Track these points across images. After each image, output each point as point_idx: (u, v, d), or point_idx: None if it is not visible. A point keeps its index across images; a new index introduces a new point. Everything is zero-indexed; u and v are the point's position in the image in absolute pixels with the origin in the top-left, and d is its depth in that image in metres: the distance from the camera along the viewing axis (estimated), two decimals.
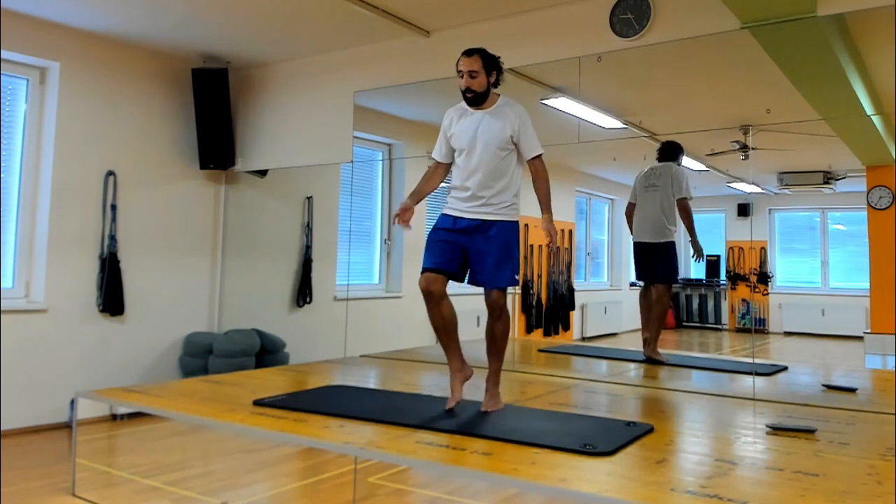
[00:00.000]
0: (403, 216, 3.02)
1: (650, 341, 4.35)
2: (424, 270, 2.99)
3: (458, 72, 2.99)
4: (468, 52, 3.00)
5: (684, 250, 4.55)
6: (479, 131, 3.02)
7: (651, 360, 4.34)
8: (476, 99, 3.01)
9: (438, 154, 3.15)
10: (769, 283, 4.53)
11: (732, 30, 3.51)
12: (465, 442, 2.57)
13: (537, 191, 3.08)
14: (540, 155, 3.06)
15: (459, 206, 3.04)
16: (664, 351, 4.41)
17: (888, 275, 3.65)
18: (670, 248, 4.35)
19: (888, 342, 3.67)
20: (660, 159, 4.33)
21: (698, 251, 4.32)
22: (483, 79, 2.99)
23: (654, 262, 4.38)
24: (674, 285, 4.48)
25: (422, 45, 4.67)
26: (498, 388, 3.10)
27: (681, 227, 4.34)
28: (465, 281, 3.07)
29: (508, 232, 3.03)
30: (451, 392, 3.07)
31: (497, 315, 3.03)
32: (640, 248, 4.45)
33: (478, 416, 2.92)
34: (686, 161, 4.47)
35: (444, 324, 3.02)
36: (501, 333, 3.06)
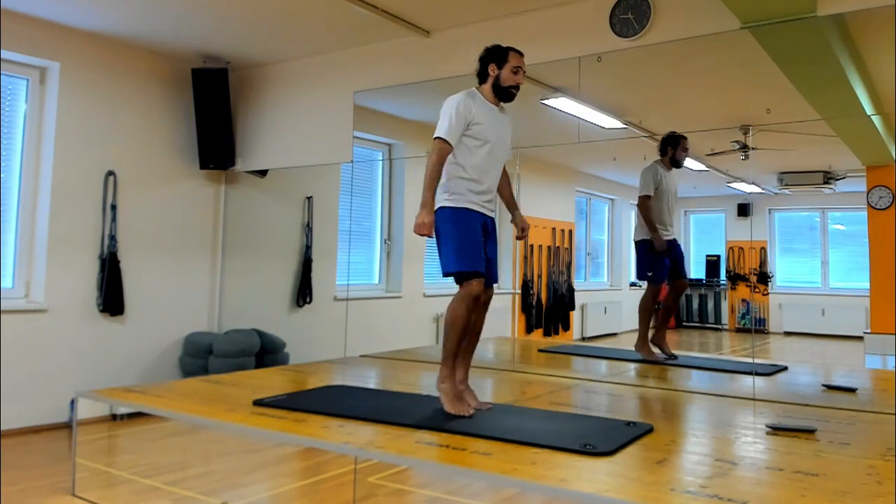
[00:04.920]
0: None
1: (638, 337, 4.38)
2: (477, 274, 2.87)
3: (516, 68, 2.99)
4: (521, 52, 3.06)
5: (687, 253, 4.58)
6: (501, 127, 3.05)
7: (642, 360, 4.35)
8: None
9: (454, 138, 2.91)
10: (769, 283, 4.53)
11: (732, 30, 3.51)
12: (465, 442, 2.57)
13: (509, 191, 3.23)
14: None
15: (477, 201, 2.98)
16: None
17: (888, 275, 3.65)
18: (637, 247, 4.38)
19: (888, 342, 3.67)
20: None
21: (658, 245, 4.26)
22: None
23: None
24: (653, 284, 4.42)
25: (422, 45, 4.67)
26: None
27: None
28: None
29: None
30: (461, 400, 2.97)
31: (485, 311, 3.06)
32: None
33: (478, 416, 2.92)
34: (686, 161, 4.46)
35: (469, 327, 2.99)
36: (481, 328, 3.09)
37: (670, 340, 4.72)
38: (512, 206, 3.24)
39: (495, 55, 3.01)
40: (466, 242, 2.89)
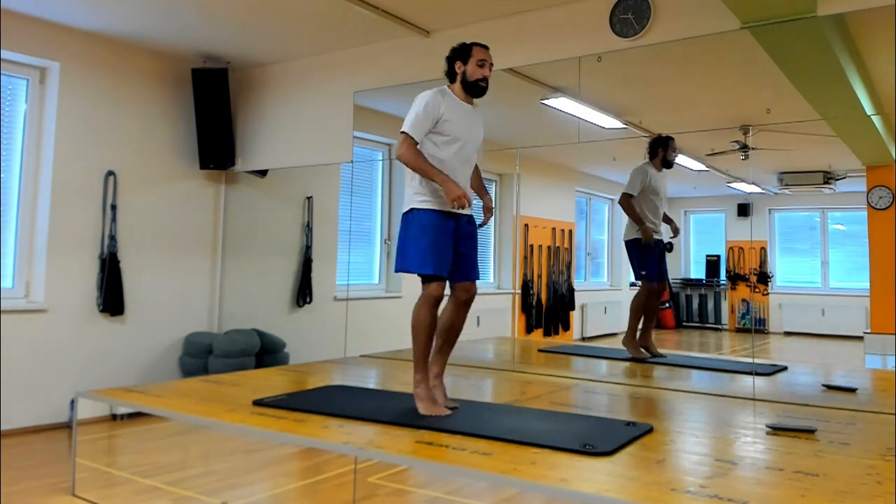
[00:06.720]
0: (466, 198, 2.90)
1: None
2: (439, 277, 2.89)
3: (481, 61, 2.99)
4: (485, 46, 3.04)
5: (687, 253, 4.58)
6: (472, 125, 3.05)
7: (629, 358, 4.37)
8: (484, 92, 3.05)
9: (420, 134, 2.92)
10: (769, 283, 4.54)
11: (732, 30, 3.51)
12: (465, 442, 2.57)
13: (477, 182, 3.22)
14: None
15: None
16: (664, 350, 4.41)
17: (888, 275, 3.65)
18: (627, 246, 4.42)
19: (888, 342, 3.67)
20: None
21: (645, 236, 4.34)
22: None
23: None
24: (646, 283, 4.42)
25: (422, 45, 4.67)
26: None
27: (684, 232, 4.37)
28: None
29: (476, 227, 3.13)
30: (435, 402, 2.97)
31: (468, 309, 3.04)
32: None
33: (478, 416, 2.92)
34: (686, 161, 4.47)
35: (434, 328, 2.98)
36: (462, 326, 3.09)
37: (671, 340, 4.73)
38: (481, 192, 3.23)
39: (459, 52, 3.03)
40: (433, 246, 2.89)
